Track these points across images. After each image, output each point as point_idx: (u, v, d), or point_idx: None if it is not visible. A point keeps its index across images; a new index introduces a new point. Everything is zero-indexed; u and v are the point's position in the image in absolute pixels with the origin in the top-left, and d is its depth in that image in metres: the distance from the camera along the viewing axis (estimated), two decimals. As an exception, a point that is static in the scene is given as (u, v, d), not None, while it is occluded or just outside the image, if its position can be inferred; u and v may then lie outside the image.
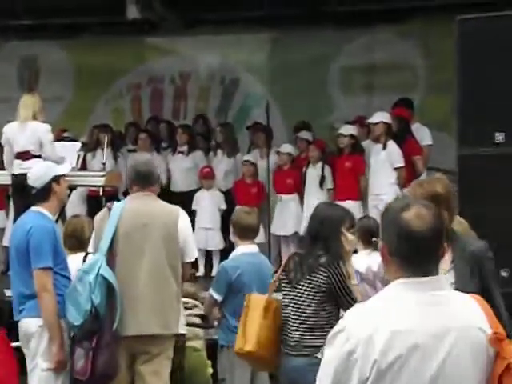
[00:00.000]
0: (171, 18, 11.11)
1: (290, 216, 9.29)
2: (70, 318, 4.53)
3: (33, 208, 4.95)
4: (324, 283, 4.33)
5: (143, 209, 4.68)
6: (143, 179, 4.74)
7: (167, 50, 12.12)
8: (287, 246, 9.39)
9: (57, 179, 4.96)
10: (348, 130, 8.98)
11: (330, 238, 4.39)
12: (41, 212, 4.88)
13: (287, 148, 9.57)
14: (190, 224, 4.88)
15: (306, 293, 4.36)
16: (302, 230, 8.99)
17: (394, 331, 2.15)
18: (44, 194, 4.90)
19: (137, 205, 4.70)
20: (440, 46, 10.18)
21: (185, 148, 10.01)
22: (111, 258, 4.57)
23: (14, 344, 5.10)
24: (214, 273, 8.66)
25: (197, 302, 6.14)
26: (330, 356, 2.21)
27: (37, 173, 5.02)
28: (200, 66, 12.03)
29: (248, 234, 5.46)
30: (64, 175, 5.07)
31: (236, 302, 5.25)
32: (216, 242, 9.43)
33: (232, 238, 7.09)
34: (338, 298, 4.34)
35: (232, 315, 5.29)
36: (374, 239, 5.81)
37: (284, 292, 4.47)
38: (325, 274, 4.32)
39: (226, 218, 8.90)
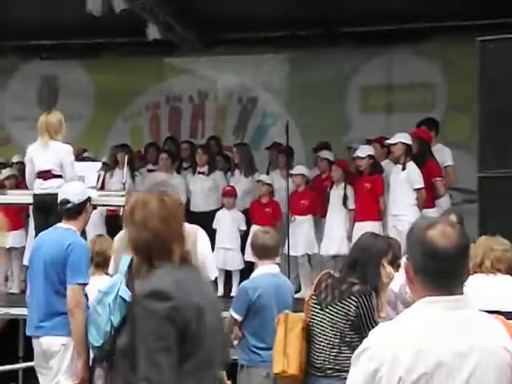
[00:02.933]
0: (191, 39, 11.20)
1: (302, 237, 9.27)
2: (91, 338, 4.55)
3: (61, 224, 4.98)
4: (352, 312, 4.31)
5: (162, 229, 4.69)
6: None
7: (186, 70, 12.19)
8: (299, 267, 9.38)
9: (90, 200, 5.03)
10: (365, 151, 8.97)
11: (368, 268, 4.36)
12: (72, 229, 4.93)
13: (300, 169, 9.55)
14: (209, 243, 4.87)
15: (335, 318, 4.35)
16: (322, 250, 9.00)
17: (418, 349, 2.15)
18: (79, 210, 4.97)
19: (156, 226, 4.71)
20: (458, 66, 10.21)
21: (205, 168, 10.04)
22: (131, 278, 4.58)
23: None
24: (233, 293, 8.65)
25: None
26: (356, 375, 2.23)
27: (76, 189, 5.08)
28: (218, 85, 12.09)
29: (266, 253, 5.45)
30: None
31: (256, 323, 5.26)
32: (236, 262, 9.43)
33: (252, 258, 7.10)
34: (362, 328, 4.31)
35: (252, 335, 5.31)
36: (397, 261, 5.80)
37: (312, 313, 4.45)
38: (354, 303, 4.30)
39: (245, 238, 8.91)
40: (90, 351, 4.70)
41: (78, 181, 7.80)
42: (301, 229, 9.31)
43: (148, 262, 2.75)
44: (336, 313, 4.35)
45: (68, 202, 4.98)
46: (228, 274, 9.55)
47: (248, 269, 7.84)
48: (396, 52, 11.02)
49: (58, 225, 5.01)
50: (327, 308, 4.38)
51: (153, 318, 2.58)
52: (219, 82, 12.07)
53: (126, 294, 4.47)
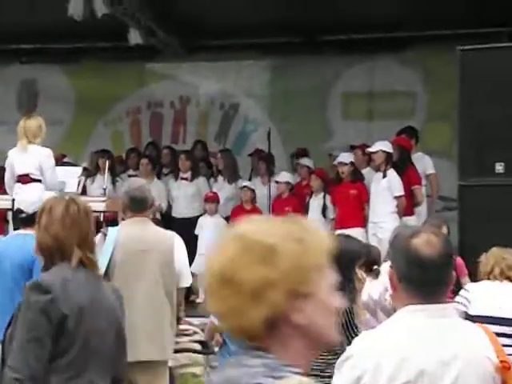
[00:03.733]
0: (173, 44, 11.17)
1: None
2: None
3: (21, 231, 5.01)
4: None
5: (139, 235, 4.69)
6: (138, 204, 4.75)
7: (167, 75, 12.17)
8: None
9: None
10: (347, 158, 9.01)
11: (343, 274, 4.34)
12: (34, 235, 4.93)
13: (285, 177, 9.58)
14: (185, 249, 4.89)
15: None
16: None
17: (401, 358, 2.17)
18: (32, 220, 4.95)
19: (133, 230, 4.71)
20: (439, 74, 10.26)
21: (188, 174, 10.02)
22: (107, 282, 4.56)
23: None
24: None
25: (197, 329, 6.14)
26: (339, 383, 2.23)
27: (31, 198, 5.07)
28: (200, 91, 12.08)
29: None
30: None
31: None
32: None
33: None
34: (343, 333, 4.31)
35: (233, 341, 5.30)
36: (375, 267, 5.81)
37: None
38: None
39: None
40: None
41: (59, 185, 7.78)
42: None
43: (49, 263, 2.95)
44: None
45: (22, 211, 5.00)
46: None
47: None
48: (378, 60, 11.06)
49: (19, 232, 5.03)
50: None
51: (30, 308, 2.79)
52: (201, 88, 12.05)
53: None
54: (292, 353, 1.55)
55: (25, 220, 5.01)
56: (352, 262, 4.33)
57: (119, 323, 3.08)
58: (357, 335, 4.26)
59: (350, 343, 4.17)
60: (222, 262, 1.53)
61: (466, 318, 4.79)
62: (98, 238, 4.76)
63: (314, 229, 1.58)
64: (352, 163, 8.95)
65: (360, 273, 4.40)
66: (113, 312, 3.04)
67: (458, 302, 4.86)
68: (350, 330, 4.29)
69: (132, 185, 4.95)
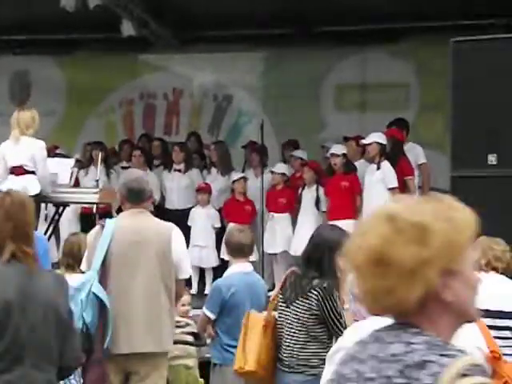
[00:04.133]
0: (166, 36, 11.15)
1: (281, 234, 9.30)
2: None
3: None
4: (314, 306, 4.35)
5: (136, 226, 4.68)
6: (135, 196, 4.73)
7: (160, 67, 12.15)
8: (277, 264, 9.40)
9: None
10: (340, 149, 9.02)
11: (324, 261, 4.38)
12: None
13: (281, 168, 9.58)
14: (183, 241, 4.88)
15: (299, 314, 4.39)
16: (291, 249, 9.01)
17: None
18: None
19: (130, 222, 4.70)
20: (432, 66, 10.27)
21: (181, 166, 10.02)
22: (103, 275, 4.56)
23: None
24: (207, 291, 8.65)
25: (189, 321, 6.15)
26: (329, 375, 2.24)
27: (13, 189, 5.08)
28: (193, 82, 12.06)
29: (241, 252, 5.45)
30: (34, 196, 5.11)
31: (229, 321, 5.27)
32: (210, 260, 9.42)
33: (226, 256, 7.09)
34: (327, 321, 4.35)
35: (225, 333, 5.31)
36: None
37: (279, 311, 4.50)
38: (315, 297, 4.34)
39: (220, 235, 8.90)
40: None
41: (50, 177, 7.78)
42: (279, 226, 9.33)
43: None
44: (299, 308, 4.39)
45: None
46: (202, 272, 9.54)
47: (223, 266, 7.84)
48: (370, 51, 11.06)
49: None
50: (291, 305, 4.42)
51: None
52: (194, 80, 12.03)
53: (99, 291, 4.46)
54: (440, 330, 1.59)
55: None
56: (332, 251, 4.32)
57: (59, 313, 3.10)
58: (340, 323, 4.30)
59: (334, 331, 4.26)
60: (374, 241, 1.58)
61: None
62: (96, 229, 4.75)
63: (460, 207, 1.62)
64: (344, 155, 8.96)
65: (341, 261, 4.40)
66: (50, 303, 3.07)
67: None
68: (332, 315, 4.32)
69: (129, 176, 4.94)
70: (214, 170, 10.13)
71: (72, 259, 5.40)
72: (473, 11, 9.76)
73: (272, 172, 9.55)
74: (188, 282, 9.12)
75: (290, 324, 4.42)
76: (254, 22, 10.67)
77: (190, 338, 6.08)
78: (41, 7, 10.01)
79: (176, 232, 4.77)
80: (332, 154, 8.95)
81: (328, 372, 2.26)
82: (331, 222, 8.46)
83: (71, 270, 5.34)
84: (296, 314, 4.40)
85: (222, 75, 11.82)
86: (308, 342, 4.37)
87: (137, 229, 4.65)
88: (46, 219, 8.48)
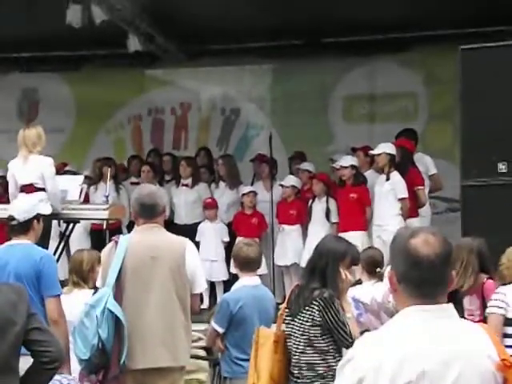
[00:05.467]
0: (172, 50, 11.16)
1: (291, 247, 9.28)
2: (78, 352, 4.50)
3: (16, 241, 5.01)
4: (317, 316, 4.33)
5: (150, 241, 4.66)
6: (149, 211, 4.72)
7: (168, 82, 12.17)
8: (289, 276, 9.37)
9: (38, 218, 5.05)
10: (348, 161, 8.99)
11: (327, 272, 4.39)
12: (30, 243, 4.98)
13: (291, 180, 9.57)
14: (197, 255, 4.88)
15: (303, 326, 4.38)
16: (302, 262, 8.97)
17: (402, 359, 2.15)
18: (25, 227, 5.00)
19: (144, 237, 4.68)
20: (441, 75, 10.25)
21: (189, 181, 10.01)
22: (118, 291, 4.55)
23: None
24: (218, 305, 8.61)
25: (201, 335, 6.12)
26: None
27: (23, 206, 5.09)
28: (201, 96, 12.07)
29: (249, 265, 5.44)
30: (46, 215, 5.13)
31: (238, 334, 5.27)
32: (220, 274, 9.40)
33: (233, 270, 7.07)
34: (332, 331, 4.33)
35: (234, 347, 5.30)
36: (378, 270, 5.79)
37: (286, 324, 4.48)
38: (317, 308, 4.33)
39: (228, 249, 8.87)
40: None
41: (60, 194, 7.77)
42: (290, 238, 9.31)
43: None
44: (303, 320, 4.38)
45: (13, 218, 4.99)
46: (213, 286, 9.51)
47: (233, 280, 7.80)
48: (378, 62, 11.04)
49: (13, 242, 5.03)
50: (296, 317, 4.41)
51: None
52: (202, 94, 12.04)
53: (115, 307, 4.44)
54: None
55: (15, 227, 5.00)
56: (336, 262, 4.37)
57: (15, 325, 3.21)
58: (345, 331, 4.28)
59: (340, 340, 4.23)
60: None
61: (506, 323, 4.76)
62: (110, 246, 4.74)
63: None
64: (353, 166, 8.92)
65: (344, 272, 4.41)
66: (6, 318, 3.19)
67: (498, 307, 4.82)
68: (336, 325, 4.30)
69: (142, 191, 4.93)
70: (222, 184, 10.11)
71: (76, 276, 5.43)
72: (481, 18, 9.72)
73: (282, 186, 9.52)
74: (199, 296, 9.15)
75: (296, 337, 4.40)
76: (260, 34, 10.68)
77: (201, 353, 6.06)
78: (47, 24, 10.03)
79: (190, 246, 4.77)
80: (341, 166, 8.92)
81: (339, 382, 2.22)
82: (341, 234, 8.46)
83: (78, 286, 5.36)
84: (300, 327, 4.39)
85: (229, 88, 11.83)
86: (314, 353, 4.36)
87: (150, 244, 4.64)
88: (60, 236, 8.51)
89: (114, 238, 4.79)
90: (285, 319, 4.49)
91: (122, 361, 4.44)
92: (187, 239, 4.86)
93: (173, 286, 4.59)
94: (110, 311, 4.45)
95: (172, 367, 4.60)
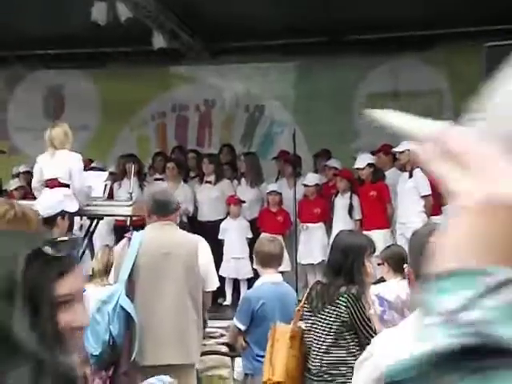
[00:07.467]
0: (197, 47, 11.19)
1: (317, 245, 9.27)
2: (89, 347, 4.53)
3: None
4: (343, 313, 4.33)
5: (163, 238, 4.68)
6: (162, 208, 4.74)
7: (192, 79, 12.19)
8: (314, 274, 9.35)
9: (63, 214, 5.02)
10: (364, 160, 8.98)
11: (353, 269, 4.38)
12: None
13: (314, 179, 9.56)
14: (210, 253, 4.87)
15: (326, 322, 4.37)
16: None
17: None
18: (49, 223, 5.01)
19: (156, 234, 4.70)
20: (465, 72, 10.16)
21: (212, 178, 10.03)
22: (131, 287, 4.57)
23: None
24: (241, 302, 8.63)
25: (224, 331, 6.14)
26: (359, 382, 2.21)
27: (48, 203, 5.09)
28: (225, 93, 12.08)
29: (271, 261, 5.42)
30: (72, 213, 5.13)
31: (259, 331, 5.24)
32: (246, 271, 9.41)
33: (255, 266, 7.10)
34: (357, 328, 4.34)
35: (256, 344, 5.29)
36: (405, 266, 5.77)
37: (305, 320, 4.48)
38: (344, 305, 4.33)
39: (252, 246, 8.88)
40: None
41: (87, 189, 7.82)
42: (315, 236, 9.31)
43: None
44: (328, 317, 4.37)
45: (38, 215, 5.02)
46: (236, 283, 9.53)
47: (257, 277, 7.81)
48: (402, 59, 11.00)
49: None
50: (319, 314, 4.41)
51: None
52: (226, 91, 12.05)
53: (127, 304, 4.46)
54: None
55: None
56: (360, 256, 4.37)
57: None
58: (370, 328, 4.28)
59: (365, 336, 4.23)
60: None
61: None
62: (123, 242, 4.77)
63: None
64: (370, 164, 8.91)
65: (369, 266, 4.41)
66: None
67: None
68: (361, 322, 4.30)
69: (155, 189, 4.97)
70: (244, 181, 10.13)
71: (103, 272, 5.43)
72: (505, 16, 9.65)
73: (305, 185, 9.52)
74: (222, 292, 9.18)
75: (317, 333, 4.40)
76: (284, 32, 10.67)
77: (224, 349, 6.07)
78: (73, 21, 10.10)
79: (202, 244, 4.77)
80: (357, 168, 8.93)
81: (357, 379, 2.22)
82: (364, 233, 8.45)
83: (99, 280, 5.38)
84: (324, 322, 4.38)
85: (253, 85, 11.83)
86: (336, 349, 4.36)
87: (164, 241, 4.67)
88: (80, 229, 8.53)
89: (126, 234, 4.82)
90: (304, 315, 4.48)
91: (132, 357, 4.46)
92: (200, 237, 4.87)
93: (185, 283, 4.61)
94: (122, 308, 4.46)
95: (183, 364, 4.62)
